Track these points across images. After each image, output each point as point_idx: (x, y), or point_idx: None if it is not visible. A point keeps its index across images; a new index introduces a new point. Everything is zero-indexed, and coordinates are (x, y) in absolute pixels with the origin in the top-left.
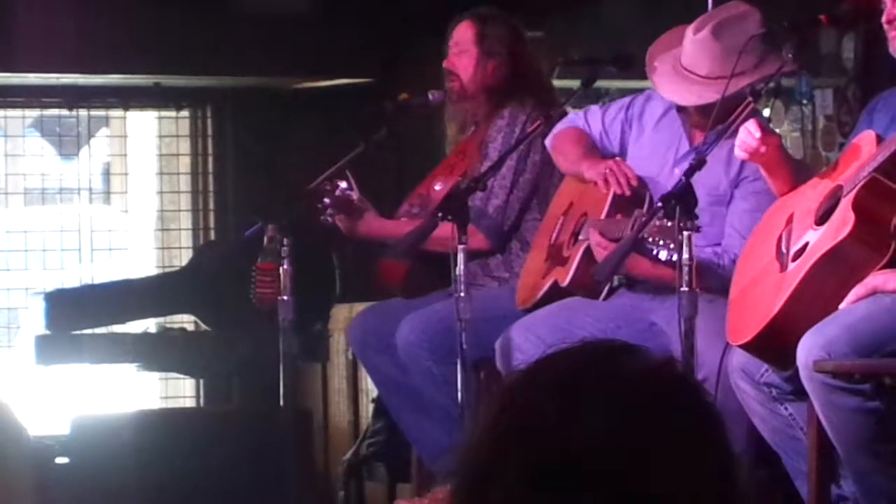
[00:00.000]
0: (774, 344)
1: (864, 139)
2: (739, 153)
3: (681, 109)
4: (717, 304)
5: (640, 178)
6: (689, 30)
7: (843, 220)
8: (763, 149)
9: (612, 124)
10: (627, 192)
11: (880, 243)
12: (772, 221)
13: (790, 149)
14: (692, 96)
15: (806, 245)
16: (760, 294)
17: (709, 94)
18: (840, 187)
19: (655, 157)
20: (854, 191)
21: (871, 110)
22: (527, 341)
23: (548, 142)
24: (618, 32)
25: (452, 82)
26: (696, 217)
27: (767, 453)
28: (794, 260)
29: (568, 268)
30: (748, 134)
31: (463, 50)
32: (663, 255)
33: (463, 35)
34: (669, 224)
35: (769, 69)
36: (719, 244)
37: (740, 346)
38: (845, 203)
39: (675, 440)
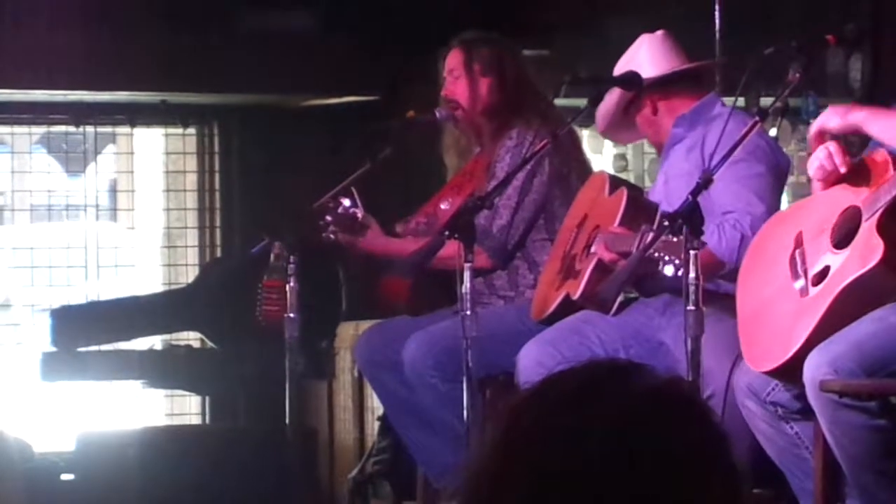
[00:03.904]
0: (801, 370)
1: (877, 156)
2: (813, 174)
3: None
4: (724, 322)
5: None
6: None
7: (870, 246)
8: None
9: None
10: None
11: None
12: (775, 237)
13: (796, 169)
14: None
15: (826, 269)
16: (780, 319)
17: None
18: (857, 209)
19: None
20: (877, 215)
21: None
22: (548, 356)
23: None
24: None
25: (455, 110)
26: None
27: (773, 472)
28: (814, 284)
29: (579, 281)
30: (827, 159)
31: (456, 76)
32: (669, 270)
33: (453, 62)
34: (676, 240)
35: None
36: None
37: (765, 374)
38: (869, 228)
39: (680, 459)
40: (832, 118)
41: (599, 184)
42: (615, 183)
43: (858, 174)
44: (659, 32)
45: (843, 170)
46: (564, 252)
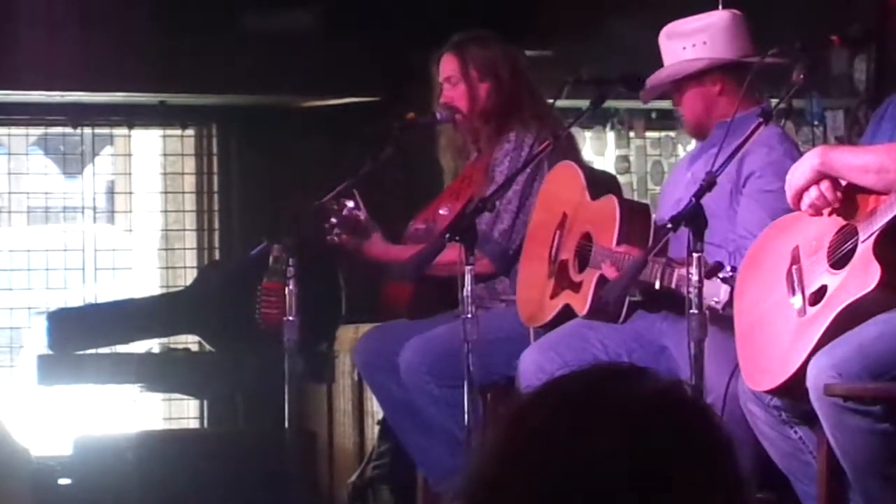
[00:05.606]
0: (799, 389)
1: None
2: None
3: None
4: (727, 326)
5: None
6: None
7: (867, 269)
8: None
9: None
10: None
11: None
12: (772, 249)
13: None
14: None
15: (823, 288)
16: (778, 338)
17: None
18: (853, 228)
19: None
20: (873, 238)
21: (878, 118)
22: (550, 360)
23: None
24: (628, 52)
25: (456, 116)
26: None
27: (777, 476)
28: (811, 304)
29: (584, 296)
30: (819, 199)
31: (454, 83)
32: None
33: (449, 68)
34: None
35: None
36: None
37: (764, 392)
38: (865, 250)
39: (683, 462)
40: (797, 176)
41: (570, 179)
42: (593, 182)
43: (853, 193)
44: (737, 13)
45: (836, 206)
46: (550, 254)
